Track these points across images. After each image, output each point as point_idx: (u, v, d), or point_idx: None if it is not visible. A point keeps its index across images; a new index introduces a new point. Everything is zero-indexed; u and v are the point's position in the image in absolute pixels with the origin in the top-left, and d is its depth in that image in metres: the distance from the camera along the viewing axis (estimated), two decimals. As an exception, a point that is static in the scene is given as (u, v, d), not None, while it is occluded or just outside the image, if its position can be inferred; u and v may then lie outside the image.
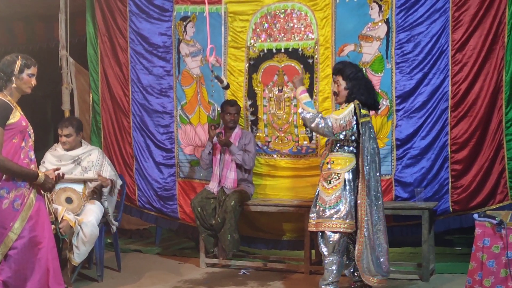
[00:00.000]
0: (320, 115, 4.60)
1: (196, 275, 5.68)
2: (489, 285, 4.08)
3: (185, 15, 6.28)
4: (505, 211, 4.52)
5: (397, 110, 5.67)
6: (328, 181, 4.57)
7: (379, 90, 5.70)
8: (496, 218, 4.12)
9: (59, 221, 4.97)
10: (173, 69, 6.35)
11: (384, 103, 5.68)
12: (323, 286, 4.62)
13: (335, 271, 4.58)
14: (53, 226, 4.90)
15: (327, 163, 4.64)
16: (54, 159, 5.53)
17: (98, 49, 6.64)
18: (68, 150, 5.52)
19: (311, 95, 5.86)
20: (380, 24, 5.68)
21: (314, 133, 5.85)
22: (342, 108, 4.63)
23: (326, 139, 5.79)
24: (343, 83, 4.65)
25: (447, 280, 5.25)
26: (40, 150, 7.02)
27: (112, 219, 5.60)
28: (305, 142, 5.94)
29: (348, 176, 4.56)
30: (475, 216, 4.25)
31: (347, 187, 4.55)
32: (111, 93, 6.58)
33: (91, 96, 6.72)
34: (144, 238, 7.26)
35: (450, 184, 5.52)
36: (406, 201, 5.58)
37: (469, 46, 5.42)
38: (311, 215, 4.67)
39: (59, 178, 4.01)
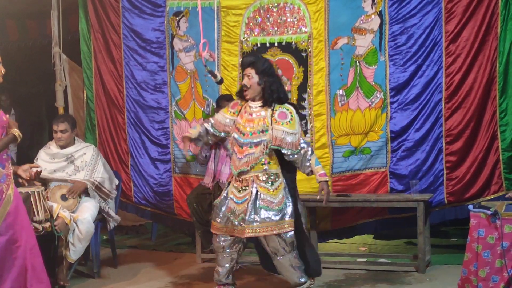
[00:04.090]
0: (306, 151, 4.46)
1: (192, 270, 5.69)
2: (484, 276, 4.09)
3: (178, 10, 6.26)
4: (499, 201, 4.52)
5: (391, 103, 5.67)
6: (270, 183, 4.42)
7: (373, 83, 5.70)
8: (491, 209, 4.12)
9: (55, 218, 4.97)
10: (167, 64, 6.34)
11: (378, 95, 5.69)
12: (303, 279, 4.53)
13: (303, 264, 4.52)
14: (48, 223, 4.91)
15: (262, 164, 4.41)
16: (48, 157, 5.52)
17: (91, 45, 6.61)
18: (62, 146, 5.51)
19: (305, 89, 5.88)
20: (373, 16, 5.68)
21: (309, 127, 5.86)
22: (292, 120, 4.42)
23: (322, 132, 5.83)
24: (256, 77, 4.44)
25: (443, 271, 5.27)
26: (35, 147, 6.99)
27: (113, 215, 5.60)
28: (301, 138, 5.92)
29: (282, 175, 4.49)
30: (470, 207, 4.25)
31: (286, 187, 4.48)
32: (105, 89, 6.57)
33: (85, 93, 6.70)
34: (140, 234, 7.26)
35: (445, 175, 5.53)
36: (401, 193, 5.59)
37: (462, 37, 5.42)
38: (254, 221, 4.36)
39: (37, 175, 3.99)
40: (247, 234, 4.36)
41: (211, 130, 4.68)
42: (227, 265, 4.58)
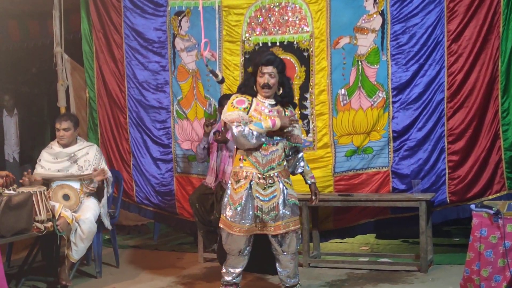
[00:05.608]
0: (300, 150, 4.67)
1: (194, 270, 5.69)
2: (486, 275, 4.08)
3: (179, 10, 6.26)
4: (502, 201, 4.52)
5: (394, 102, 5.67)
6: (289, 178, 4.56)
7: (375, 82, 5.70)
8: (493, 208, 4.12)
9: (57, 218, 4.97)
10: (168, 64, 6.34)
11: (380, 95, 5.69)
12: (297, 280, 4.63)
13: None
14: (50, 223, 4.92)
15: (282, 160, 4.50)
16: (50, 157, 5.52)
17: (93, 45, 6.62)
18: (64, 145, 5.51)
19: (306, 89, 5.88)
20: (375, 16, 5.67)
21: (311, 127, 5.86)
22: (297, 120, 4.61)
23: (324, 131, 5.82)
24: (277, 76, 4.44)
25: (445, 271, 5.27)
26: (37, 147, 6.99)
27: (106, 219, 5.58)
28: (302, 136, 5.92)
29: None
30: (472, 206, 4.25)
31: None
32: (107, 89, 6.57)
33: (87, 93, 6.71)
34: (142, 234, 7.27)
35: (447, 175, 5.53)
36: (404, 193, 5.59)
37: (464, 36, 5.42)
38: (286, 216, 4.47)
39: (11, 182, 4.03)
40: (282, 230, 4.44)
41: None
42: (243, 266, 4.61)
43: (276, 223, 4.44)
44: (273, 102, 4.50)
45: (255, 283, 5.20)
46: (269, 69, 4.42)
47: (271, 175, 4.43)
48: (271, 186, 4.42)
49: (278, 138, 4.46)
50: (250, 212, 4.43)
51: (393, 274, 5.26)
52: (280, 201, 4.42)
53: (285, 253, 4.50)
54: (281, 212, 4.43)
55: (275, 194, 4.42)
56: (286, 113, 4.52)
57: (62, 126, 5.49)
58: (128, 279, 5.44)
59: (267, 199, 4.42)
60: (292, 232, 4.47)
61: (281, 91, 4.48)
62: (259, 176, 4.42)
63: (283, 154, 4.50)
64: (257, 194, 4.42)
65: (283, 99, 4.51)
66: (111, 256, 5.92)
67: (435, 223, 5.62)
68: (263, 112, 4.46)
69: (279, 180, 4.45)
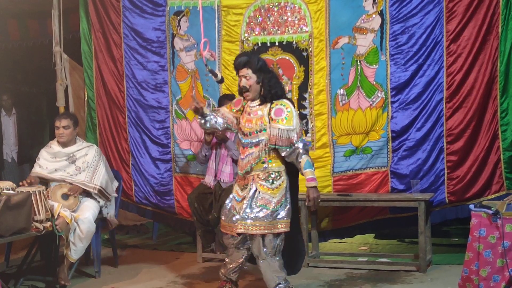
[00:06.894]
0: (298, 150, 4.36)
1: (193, 269, 5.69)
2: (485, 275, 4.08)
3: (178, 10, 6.26)
4: (500, 201, 4.50)
5: (392, 102, 5.67)
6: (270, 181, 4.36)
7: (374, 82, 5.70)
8: (492, 208, 4.12)
9: (55, 217, 4.97)
10: (167, 64, 6.34)
11: (379, 95, 5.69)
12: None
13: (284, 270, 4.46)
14: (49, 223, 4.92)
15: (262, 162, 4.36)
16: (49, 156, 5.52)
17: (92, 45, 6.62)
18: (64, 143, 5.51)
19: (305, 88, 5.88)
20: (374, 16, 5.68)
21: (310, 127, 5.86)
22: (288, 116, 4.33)
23: (323, 131, 5.83)
24: (253, 76, 4.36)
25: (444, 271, 5.27)
26: (36, 147, 6.98)
27: (110, 220, 5.60)
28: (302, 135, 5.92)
29: (285, 174, 4.42)
30: (471, 206, 4.25)
31: (288, 186, 4.43)
32: (106, 89, 6.58)
33: (85, 92, 6.71)
34: (141, 233, 7.27)
35: (446, 175, 5.53)
36: (402, 193, 5.60)
37: (463, 36, 5.43)
38: (248, 218, 4.33)
39: None
40: (238, 230, 4.38)
41: (219, 117, 4.57)
42: (239, 260, 4.58)
43: (240, 222, 4.35)
44: (257, 103, 4.45)
45: (255, 283, 5.20)
46: (242, 71, 4.40)
47: (248, 177, 4.43)
48: (246, 188, 4.44)
49: (254, 140, 4.40)
50: (227, 209, 4.54)
51: (392, 274, 5.26)
52: (246, 202, 4.35)
53: (255, 256, 4.42)
54: (242, 213, 4.35)
55: (245, 195, 4.42)
56: (271, 112, 4.37)
57: (62, 124, 5.49)
58: (127, 279, 5.44)
59: (240, 199, 4.44)
60: (258, 236, 4.31)
61: (262, 91, 4.41)
62: (241, 177, 4.50)
63: (262, 155, 4.36)
64: (234, 194, 4.50)
65: (266, 96, 4.41)
66: (110, 256, 5.92)
67: (434, 223, 5.62)
68: (244, 117, 4.50)
69: (252, 183, 4.39)
